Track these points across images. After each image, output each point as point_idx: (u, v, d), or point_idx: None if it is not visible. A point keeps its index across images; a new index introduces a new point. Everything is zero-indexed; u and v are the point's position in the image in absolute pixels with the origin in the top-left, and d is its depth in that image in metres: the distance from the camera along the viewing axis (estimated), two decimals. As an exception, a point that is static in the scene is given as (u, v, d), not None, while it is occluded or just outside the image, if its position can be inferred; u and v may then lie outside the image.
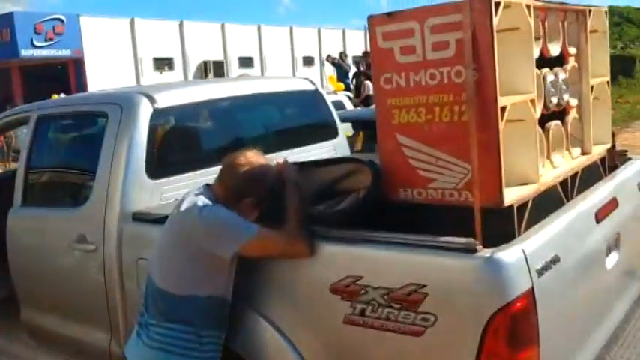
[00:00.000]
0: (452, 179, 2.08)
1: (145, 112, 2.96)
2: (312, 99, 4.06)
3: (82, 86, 24.91)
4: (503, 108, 1.98)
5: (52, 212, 3.22)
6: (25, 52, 23.20)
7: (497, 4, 1.93)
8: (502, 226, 2.05)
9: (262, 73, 32.18)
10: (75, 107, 3.42)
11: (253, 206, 2.24)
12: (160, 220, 2.53)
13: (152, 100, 3.01)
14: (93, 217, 2.91)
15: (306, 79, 4.27)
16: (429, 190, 2.13)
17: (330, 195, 2.34)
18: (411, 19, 2.05)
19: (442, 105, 2.03)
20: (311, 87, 4.08)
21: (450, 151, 2.06)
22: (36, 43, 23.33)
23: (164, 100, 3.07)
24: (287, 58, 34.06)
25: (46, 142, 3.46)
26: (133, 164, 2.87)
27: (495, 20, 1.91)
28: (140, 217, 2.78)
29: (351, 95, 13.92)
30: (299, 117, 4.08)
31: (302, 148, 3.77)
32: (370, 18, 2.13)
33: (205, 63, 29.73)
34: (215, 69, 29.85)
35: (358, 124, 6.18)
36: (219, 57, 30.44)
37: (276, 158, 3.59)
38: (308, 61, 35.40)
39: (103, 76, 24.84)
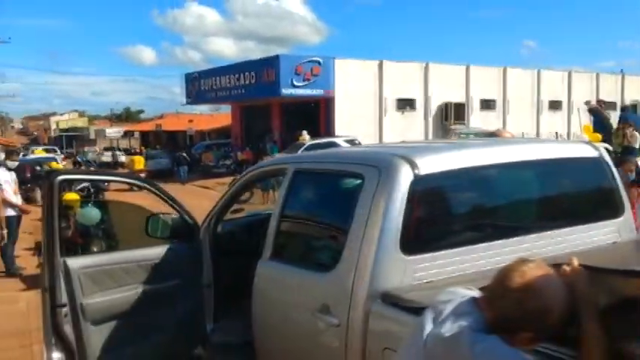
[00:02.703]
0: None
1: (404, 179, 2.64)
2: (593, 167, 3.39)
3: (330, 123, 26.67)
4: None
5: (299, 273, 3.07)
6: (285, 91, 25.69)
7: None
8: None
9: (504, 116, 30.90)
10: (331, 165, 3.28)
11: (531, 341, 1.66)
12: (415, 310, 2.15)
13: (413, 165, 2.69)
14: (339, 288, 2.67)
15: (587, 143, 3.59)
16: None
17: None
18: None
19: None
20: (593, 153, 3.41)
21: None
22: (295, 83, 25.70)
23: (427, 165, 2.72)
24: (531, 102, 32.19)
25: (299, 196, 3.38)
26: (387, 237, 2.57)
27: None
28: (391, 300, 2.44)
29: (610, 148, 12.22)
30: (576, 189, 3.41)
31: (578, 227, 3.13)
32: None
33: (446, 105, 29.56)
34: (455, 111, 29.50)
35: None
36: (461, 99, 30.01)
37: (552, 237, 3.10)
38: (554, 105, 33.01)
39: (349, 114, 26.29)
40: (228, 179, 19.67)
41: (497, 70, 31.79)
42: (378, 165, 2.76)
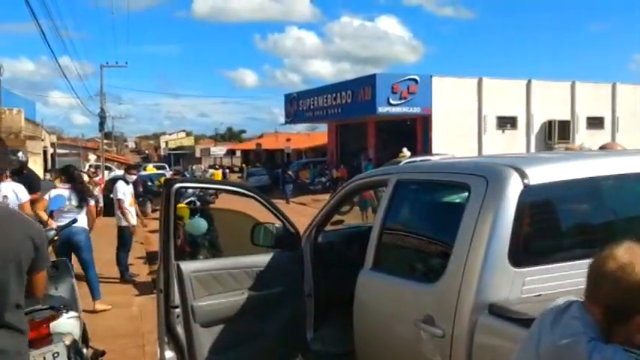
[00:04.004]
0: None
1: (513, 189, 2.58)
2: None
3: (427, 142, 26.36)
4: None
5: (401, 283, 3.06)
6: (382, 109, 25.73)
7: None
8: None
9: (613, 134, 29.05)
10: (435, 175, 3.25)
11: None
12: (524, 323, 2.09)
13: (523, 174, 2.61)
14: (444, 299, 2.64)
15: None
16: None
17: None
18: None
19: None
20: None
21: None
22: (391, 101, 25.70)
23: (537, 175, 2.64)
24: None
25: (402, 207, 3.39)
26: (494, 247, 2.51)
27: None
28: (499, 312, 2.38)
29: None
30: None
31: None
32: None
33: (550, 123, 28.31)
34: (560, 129, 28.20)
35: None
36: (566, 116, 28.64)
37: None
38: (671, 123, 30.56)
39: (447, 132, 25.85)
40: (324, 196, 19.90)
41: (606, 87, 30.07)
42: (486, 175, 2.71)
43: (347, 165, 28.95)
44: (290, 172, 29.12)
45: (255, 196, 4.04)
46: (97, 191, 18.86)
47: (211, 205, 10.92)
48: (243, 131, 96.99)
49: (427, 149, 25.53)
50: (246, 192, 4.10)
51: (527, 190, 2.58)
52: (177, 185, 3.70)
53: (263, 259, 3.97)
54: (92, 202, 7.38)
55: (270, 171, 37.45)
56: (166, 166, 45.15)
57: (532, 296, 2.50)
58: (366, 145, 30.18)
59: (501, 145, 26.36)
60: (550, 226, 2.76)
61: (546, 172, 2.72)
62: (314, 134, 48.87)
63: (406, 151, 22.04)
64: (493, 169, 2.74)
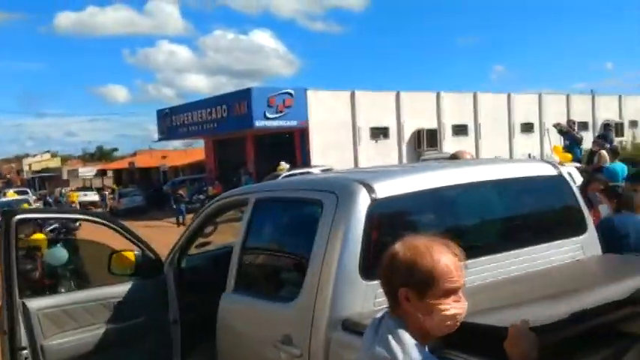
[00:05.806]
0: None
1: (362, 203, 2.65)
2: (554, 186, 3.43)
3: (305, 154, 26.73)
4: None
5: (261, 304, 3.03)
6: (259, 123, 25.70)
7: None
8: None
9: (477, 140, 31.37)
10: (291, 193, 3.27)
11: (445, 293, 1.71)
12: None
13: (370, 189, 2.69)
14: (300, 318, 2.64)
15: (547, 162, 3.65)
16: None
17: None
18: None
19: None
20: (553, 172, 3.46)
21: None
22: (268, 115, 25.77)
23: (384, 189, 2.73)
24: (503, 126, 32.78)
25: (261, 226, 3.36)
26: (346, 262, 2.56)
27: None
28: (351, 327, 2.41)
29: (579, 166, 12.43)
30: (537, 208, 3.43)
31: (540, 246, 3.15)
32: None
33: (419, 131, 29.92)
34: (428, 137, 29.89)
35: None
36: (433, 125, 30.45)
37: (514, 256, 3.12)
38: (527, 128, 33.69)
39: (324, 144, 26.43)
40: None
41: (468, 96, 32.39)
42: (336, 190, 2.76)
43: (225, 181, 28.54)
44: (180, 192, 27.56)
45: (107, 222, 3.83)
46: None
47: (75, 233, 10.24)
48: (116, 149, 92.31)
49: (306, 162, 25.90)
50: (95, 219, 3.90)
51: (375, 203, 2.66)
52: (17, 217, 3.41)
53: (122, 289, 3.77)
54: None
55: (145, 191, 35.81)
56: (29, 191, 41.76)
57: (384, 308, 2.56)
58: (245, 159, 30.02)
59: (375, 154, 27.41)
60: (398, 237, 2.85)
61: (392, 186, 2.81)
62: (191, 150, 47.66)
63: (284, 164, 22.10)
64: (342, 185, 2.80)
